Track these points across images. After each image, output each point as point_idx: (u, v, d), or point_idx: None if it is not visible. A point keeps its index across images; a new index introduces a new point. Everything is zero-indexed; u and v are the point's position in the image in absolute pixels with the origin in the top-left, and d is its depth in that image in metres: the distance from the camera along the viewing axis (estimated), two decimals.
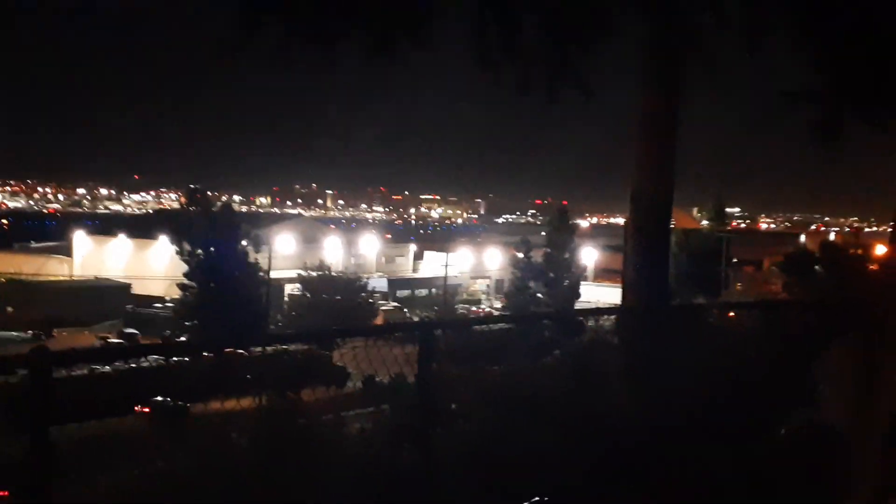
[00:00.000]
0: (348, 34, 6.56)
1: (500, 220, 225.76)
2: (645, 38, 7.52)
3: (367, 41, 6.58)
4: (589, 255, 72.97)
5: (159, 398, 27.45)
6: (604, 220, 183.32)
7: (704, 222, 74.29)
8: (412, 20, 6.67)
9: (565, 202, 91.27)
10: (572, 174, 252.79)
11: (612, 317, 7.58)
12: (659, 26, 7.38)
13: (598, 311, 7.54)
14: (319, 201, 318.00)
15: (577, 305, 55.73)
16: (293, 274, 56.95)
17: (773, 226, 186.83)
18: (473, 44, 6.96)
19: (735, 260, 69.82)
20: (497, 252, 78.87)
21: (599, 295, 63.32)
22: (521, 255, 59.66)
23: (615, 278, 63.61)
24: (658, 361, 6.84)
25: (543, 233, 62.82)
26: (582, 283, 61.19)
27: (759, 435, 6.70)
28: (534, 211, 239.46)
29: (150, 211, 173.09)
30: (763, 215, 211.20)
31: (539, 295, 57.47)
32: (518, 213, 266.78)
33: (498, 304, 71.92)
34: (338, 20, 6.45)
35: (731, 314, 8.75)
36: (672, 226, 8.91)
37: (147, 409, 27.30)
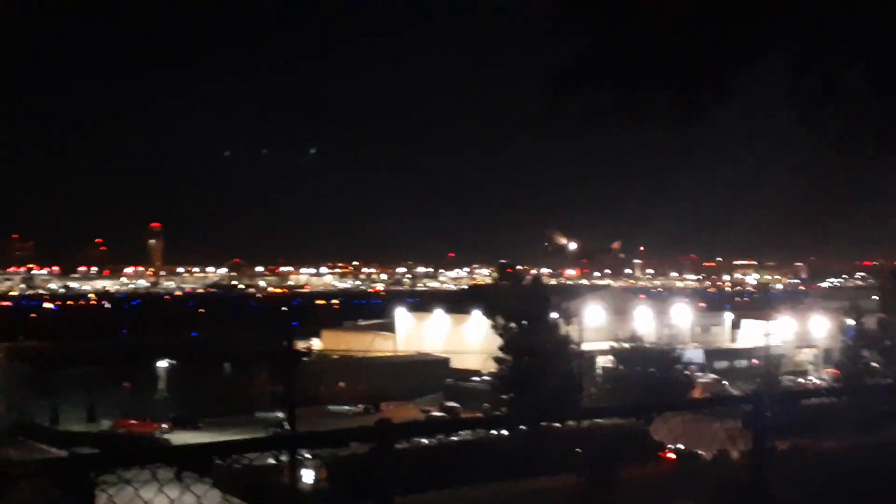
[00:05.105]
0: (656, 98, 6.44)
1: (824, 285, 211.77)
2: None
3: (675, 103, 6.41)
4: None
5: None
6: None
7: None
8: (719, 78, 6.43)
9: None
10: None
11: None
12: None
13: None
14: (627, 271, 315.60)
15: None
16: (604, 346, 56.63)
17: None
18: (789, 94, 6.54)
19: None
20: (823, 319, 74.07)
21: None
22: (851, 321, 55.48)
23: None
24: None
25: (875, 297, 57.99)
26: None
27: None
28: (863, 273, 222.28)
29: (465, 286, 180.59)
30: None
31: (874, 364, 52.92)
32: (844, 276, 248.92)
33: (826, 375, 67.22)
34: (646, 83, 6.37)
35: None
36: None
37: None
